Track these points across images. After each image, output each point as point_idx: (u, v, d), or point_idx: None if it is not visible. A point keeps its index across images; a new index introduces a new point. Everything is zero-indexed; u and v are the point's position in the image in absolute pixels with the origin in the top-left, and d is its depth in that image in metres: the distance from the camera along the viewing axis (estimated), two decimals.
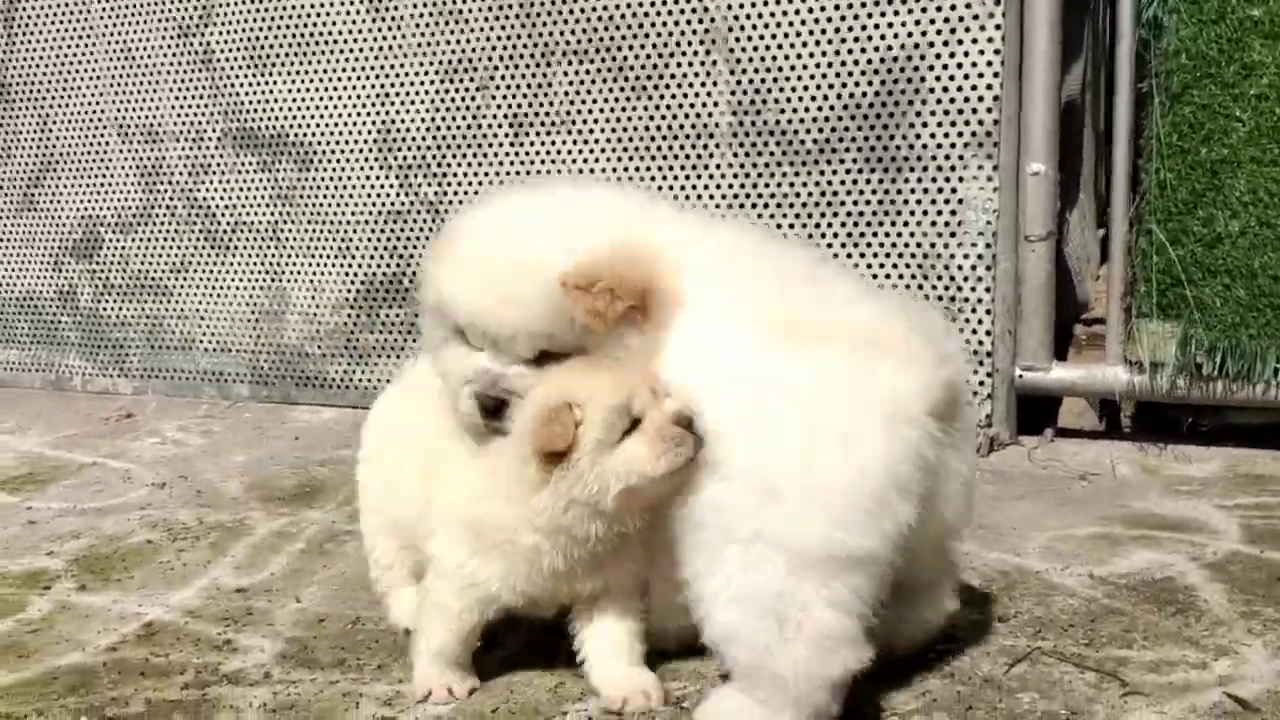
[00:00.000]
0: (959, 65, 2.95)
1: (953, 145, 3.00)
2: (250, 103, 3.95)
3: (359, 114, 3.78)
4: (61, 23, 4.21)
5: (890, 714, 1.81)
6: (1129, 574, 2.29)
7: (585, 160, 3.46)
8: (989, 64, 2.91)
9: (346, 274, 3.91)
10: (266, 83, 3.90)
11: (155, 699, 2.01)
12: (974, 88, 2.94)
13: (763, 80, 3.19)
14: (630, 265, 1.74)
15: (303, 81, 3.84)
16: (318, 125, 3.85)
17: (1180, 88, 2.72)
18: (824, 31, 3.09)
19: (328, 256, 3.94)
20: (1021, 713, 1.79)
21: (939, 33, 2.95)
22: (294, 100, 3.87)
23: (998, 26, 2.88)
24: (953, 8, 2.92)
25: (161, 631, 2.29)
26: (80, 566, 2.66)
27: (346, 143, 3.82)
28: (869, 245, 3.15)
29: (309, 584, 2.49)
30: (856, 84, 3.08)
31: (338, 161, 3.85)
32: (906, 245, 3.11)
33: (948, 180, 3.03)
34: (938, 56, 2.97)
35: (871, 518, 1.61)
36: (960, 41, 2.93)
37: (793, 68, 3.15)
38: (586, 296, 1.72)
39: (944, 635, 2.01)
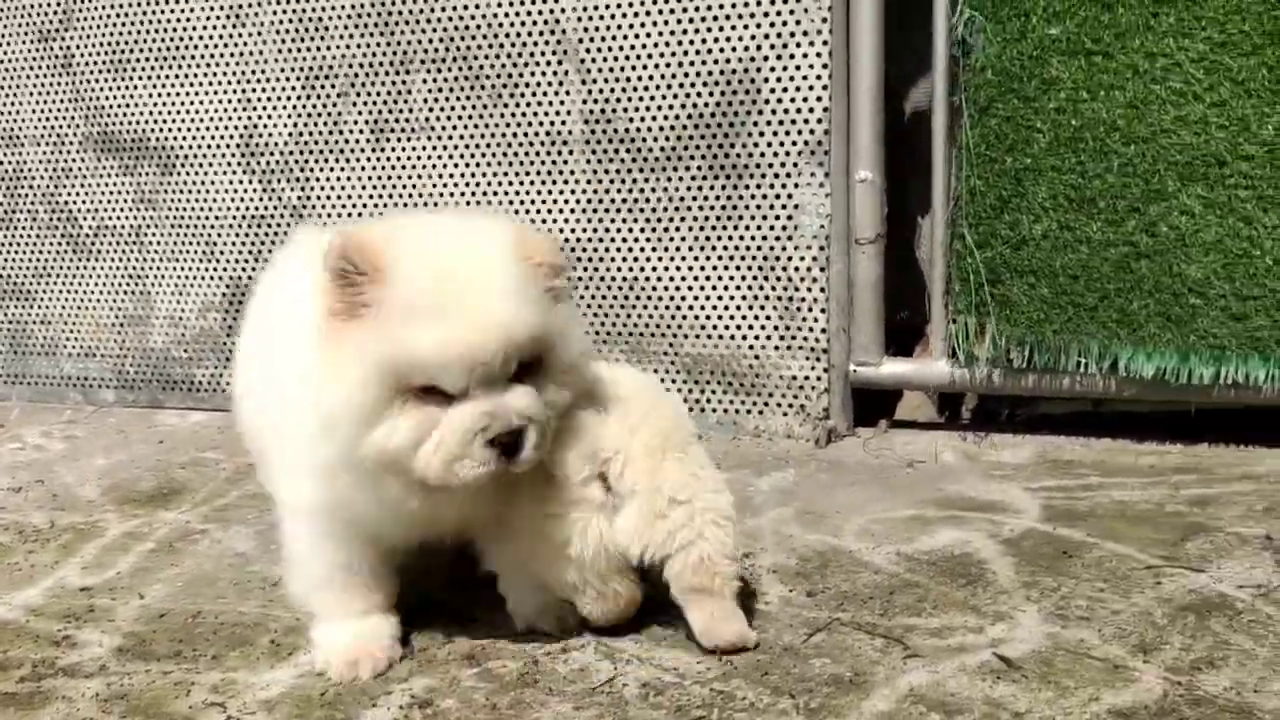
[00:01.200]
0: (791, 79, 3.12)
1: (788, 154, 3.17)
2: (111, 107, 3.95)
3: (221, 119, 3.81)
4: None
5: (693, 682, 1.95)
6: (931, 550, 2.47)
7: (444, 165, 3.56)
8: (819, 78, 3.09)
9: (212, 277, 3.93)
10: (128, 87, 3.91)
11: None
12: (805, 100, 3.11)
13: (613, 90, 3.33)
14: (542, 239, 1.79)
15: (164, 86, 3.86)
16: (180, 130, 3.88)
17: (987, 101, 2.93)
18: (668, 44, 3.24)
19: (192, 260, 3.96)
20: (812, 676, 1.95)
21: (773, 48, 3.12)
22: (156, 105, 3.89)
23: (825, 43, 3.06)
24: (785, 24, 3.09)
25: (3, 629, 2.32)
26: None
27: (209, 147, 3.85)
28: (714, 249, 3.31)
29: (154, 581, 2.54)
30: (700, 95, 3.23)
31: (200, 166, 3.88)
32: (748, 248, 3.27)
33: (784, 187, 3.20)
34: (772, 70, 3.13)
35: None
36: (792, 56, 3.10)
37: (640, 79, 3.29)
38: (544, 268, 1.74)
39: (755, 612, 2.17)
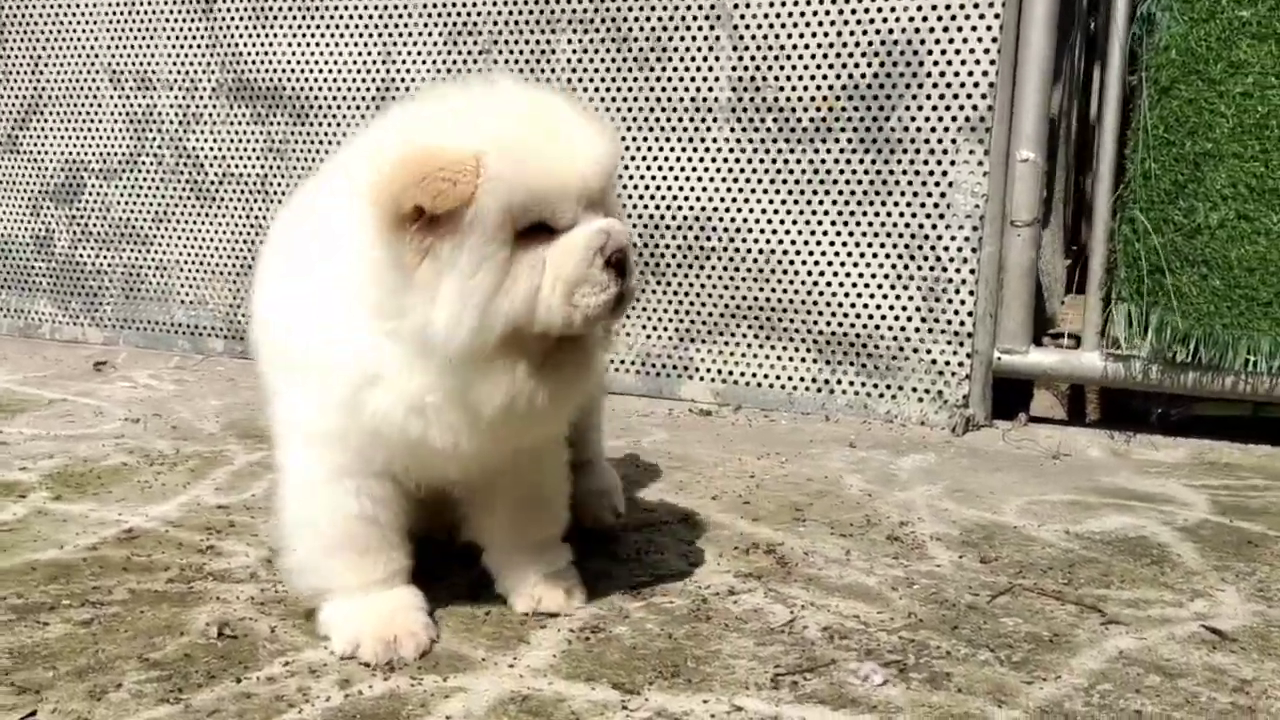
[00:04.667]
0: (956, 51, 3.04)
1: (946, 129, 3.08)
2: (249, 55, 3.95)
3: (360, 71, 3.80)
4: None
5: (878, 629, 1.84)
6: (1104, 532, 2.35)
7: None
8: (985, 51, 3.00)
9: None
10: (267, 35, 3.91)
11: (139, 589, 1.99)
12: (969, 74, 3.03)
13: (764, 57, 3.26)
14: None
15: (305, 36, 3.86)
16: (317, 80, 3.87)
17: (1169, 82, 2.83)
18: (826, 12, 3.17)
19: None
20: (1006, 633, 1.83)
21: (939, 18, 3.04)
22: (294, 54, 3.88)
23: (997, 16, 2.98)
24: None
25: (142, 536, 2.27)
26: (55, 481, 2.63)
27: (345, 99, 3.84)
28: (858, 224, 3.22)
29: None
30: (856, 65, 3.16)
31: (334, 117, 3.87)
32: (895, 225, 3.18)
33: (939, 163, 3.11)
34: (936, 42, 3.06)
35: None
36: (960, 28, 3.02)
37: (794, 46, 3.22)
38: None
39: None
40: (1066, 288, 4.14)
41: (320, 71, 3.86)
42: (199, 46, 4.02)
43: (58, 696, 1.61)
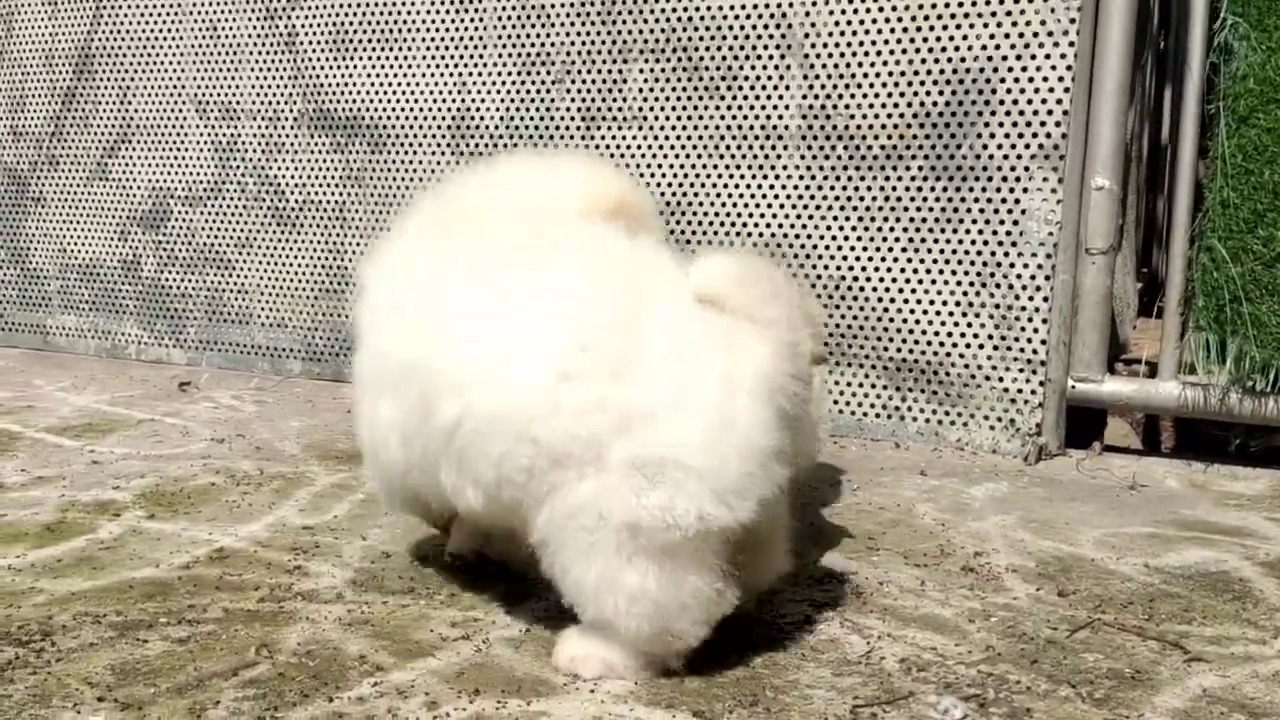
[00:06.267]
0: (1030, 79, 3.04)
1: (1019, 157, 3.08)
2: (329, 85, 4.07)
3: (435, 100, 3.90)
4: None
5: (956, 662, 1.85)
6: (1183, 566, 2.32)
7: (654, 156, 3.56)
8: (1060, 79, 3.00)
9: None
10: (347, 67, 4.03)
11: (233, 608, 2.06)
12: (1044, 101, 3.03)
13: (834, 85, 3.29)
14: None
15: (383, 67, 3.97)
16: (394, 110, 3.97)
17: (1247, 111, 2.80)
18: (898, 40, 3.19)
19: None
20: (1086, 669, 1.83)
21: (1012, 46, 3.05)
22: (372, 84, 3.99)
23: (1071, 44, 2.97)
24: (1028, 23, 3.02)
25: (233, 556, 2.35)
26: (148, 500, 2.73)
27: (421, 128, 3.94)
28: (929, 252, 3.23)
29: (373, 526, 2.55)
30: (928, 93, 3.17)
31: (410, 146, 3.96)
32: (967, 253, 3.18)
33: (1011, 191, 3.10)
34: (1010, 70, 3.06)
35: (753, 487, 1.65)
36: (1034, 56, 3.03)
37: (865, 74, 3.25)
38: None
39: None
40: (1138, 311, 4.10)
41: (397, 101, 3.96)
42: (282, 77, 4.15)
43: (159, 713, 1.68)
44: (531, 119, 3.76)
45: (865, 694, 1.73)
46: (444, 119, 3.90)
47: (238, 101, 4.25)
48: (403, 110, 3.96)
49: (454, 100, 3.87)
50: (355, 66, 4.01)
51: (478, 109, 3.84)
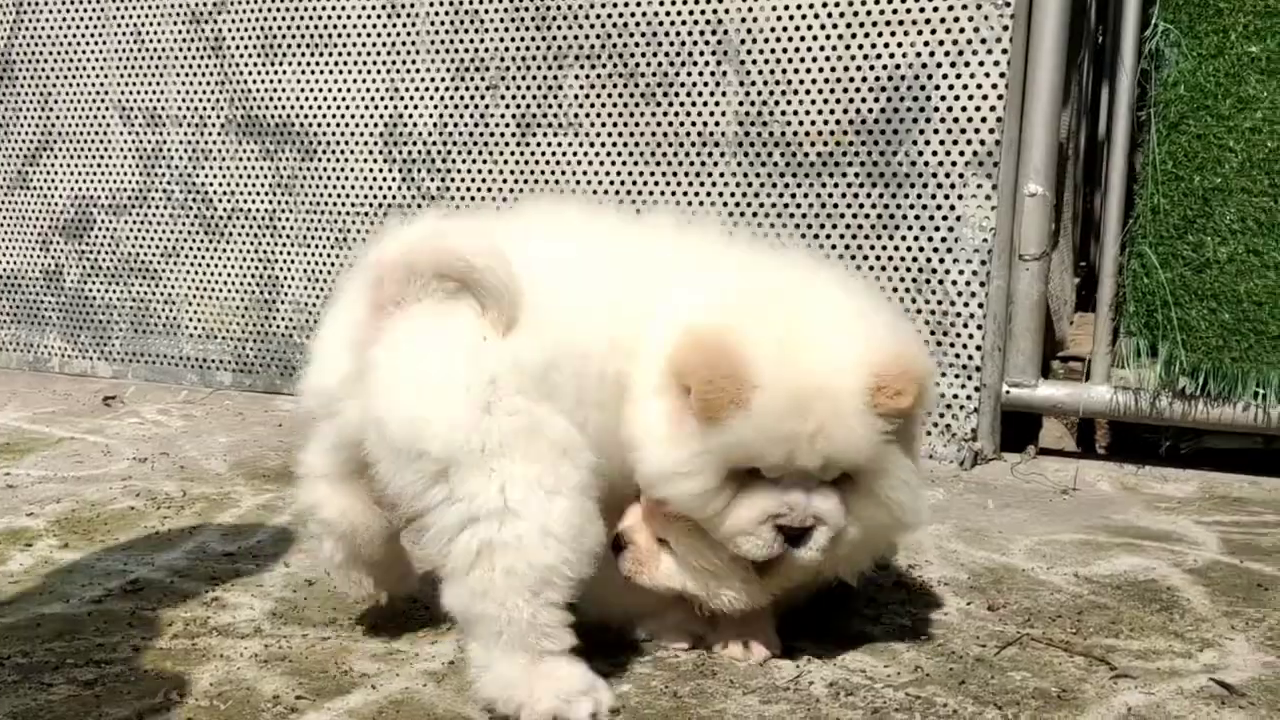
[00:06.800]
0: (964, 86, 3.03)
1: (953, 164, 3.07)
2: (257, 91, 3.97)
3: (367, 107, 3.82)
4: (71, 2, 4.23)
5: (884, 685, 1.83)
6: (1113, 575, 2.33)
7: (590, 162, 3.51)
8: (994, 86, 2.99)
9: (343, 264, 3.92)
10: (275, 72, 3.93)
11: (144, 646, 1.99)
12: (977, 108, 3.02)
13: (770, 92, 3.26)
14: (912, 359, 1.76)
15: (312, 72, 3.88)
16: (324, 116, 3.88)
17: (1178, 117, 2.81)
18: (834, 47, 3.17)
19: (324, 247, 3.96)
20: (1013, 689, 1.82)
21: (946, 54, 3.04)
22: (302, 90, 3.90)
23: (1004, 50, 2.97)
24: (961, 30, 3.01)
25: (148, 588, 2.27)
26: (63, 527, 2.64)
27: (352, 135, 3.85)
28: (865, 258, 3.21)
29: (296, 551, 2.48)
30: (863, 100, 3.16)
31: (341, 153, 3.88)
32: (903, 259, 3.17)
33: (946, 197, 3.10)
34: (944, 77, 3.05)
35: None
36: (967, 63, 3.02)
37: (801, 81, 3.22)
38: (893, 401, 1.71)
39: (934, 621, 2.05)
40: (1075, 307, 4.12)
41: (327, 107, 3.88)
42: (208, 83, 4.04)
43: None
44: (466, 125, 3.69)
45: None
46: (376, 125, 3.82)
47: (163, 108, 4.13)
48: (334, 116, 3.87)
49: (386, 106, 3.79)
50: (284, 72, 3.92)
51: (411, 115, 3.76)
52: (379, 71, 3.78)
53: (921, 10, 3.06)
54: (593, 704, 1.70)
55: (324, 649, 1.98)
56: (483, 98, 3.65)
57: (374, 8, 3.75)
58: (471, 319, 1.72)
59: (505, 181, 3.64)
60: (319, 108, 3.89)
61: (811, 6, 3.18)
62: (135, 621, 2.10)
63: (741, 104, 3.30)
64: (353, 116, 3.84)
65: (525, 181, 3.61)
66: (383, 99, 3.79)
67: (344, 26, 3.81)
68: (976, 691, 1.81)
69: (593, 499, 1.73)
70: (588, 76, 3.49)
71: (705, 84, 3.34)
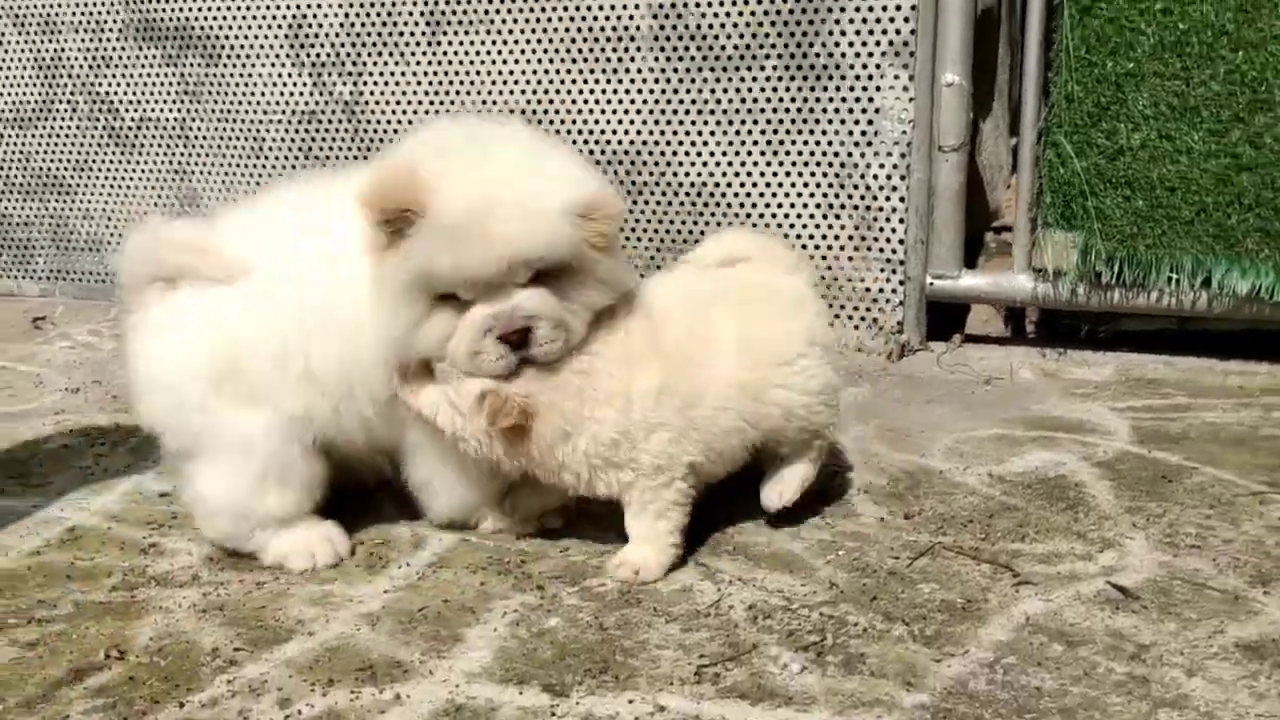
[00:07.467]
0: None
1: (870, 54, 3.03)
2: None
3: (268, 7, 3.66)
4: None
5: (800, 605, 1.92)
6: (1025, 473, 2.42)
7: (503, 61, 3.42)
8: None
9: (260, 173, 3.83)
10: None
11: (84, 601, 2.03)
12: None
13: None
14: (613, 199, 1.96)
15: None
16: (225, 19, 3.72)
17: (1089, 1, 2.78)
18: None
19: (239, 156, 3.85)
20: (921, 602, 1.92)
21: None
22: None
23: None
24: None
25: (85, 536, 2.30)
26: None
27: (256, 38, 3.70)
28: (787, 153, 3.19)
29: None
30: None
31: (247, 58, 3.74)
32: (824, 154, 3.15)
33: (865, 90, 3.07)
34: None
35: None
36: None
37: None
38: (592, 224, 1.91)
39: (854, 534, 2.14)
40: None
41: (228, 8, 3.71)
42: None
43: None
44: (374, 26, 3.56)
45: (711, 650, 1.79)
46: (280, 27, 3.67)
47: (57, 14, 3.93)
48: (235, 18, 3.71)
49: (288, 6, 3.64)
50: None
51: (316, 16, 3.61)
52: None
53: None
54: None
55: (260, 595, 2.03)
56: None
57: None
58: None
59: (419, 84, 3.54)
60: (219, 9, 3.72)
61: None
62: (74, 574, 2.13)
63: None
64: (255, 18, 3.68)
65: (439, 84, 3.51)
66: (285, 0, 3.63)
67: None
68: (887, 607, 1.90)
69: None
70: None
71: None
